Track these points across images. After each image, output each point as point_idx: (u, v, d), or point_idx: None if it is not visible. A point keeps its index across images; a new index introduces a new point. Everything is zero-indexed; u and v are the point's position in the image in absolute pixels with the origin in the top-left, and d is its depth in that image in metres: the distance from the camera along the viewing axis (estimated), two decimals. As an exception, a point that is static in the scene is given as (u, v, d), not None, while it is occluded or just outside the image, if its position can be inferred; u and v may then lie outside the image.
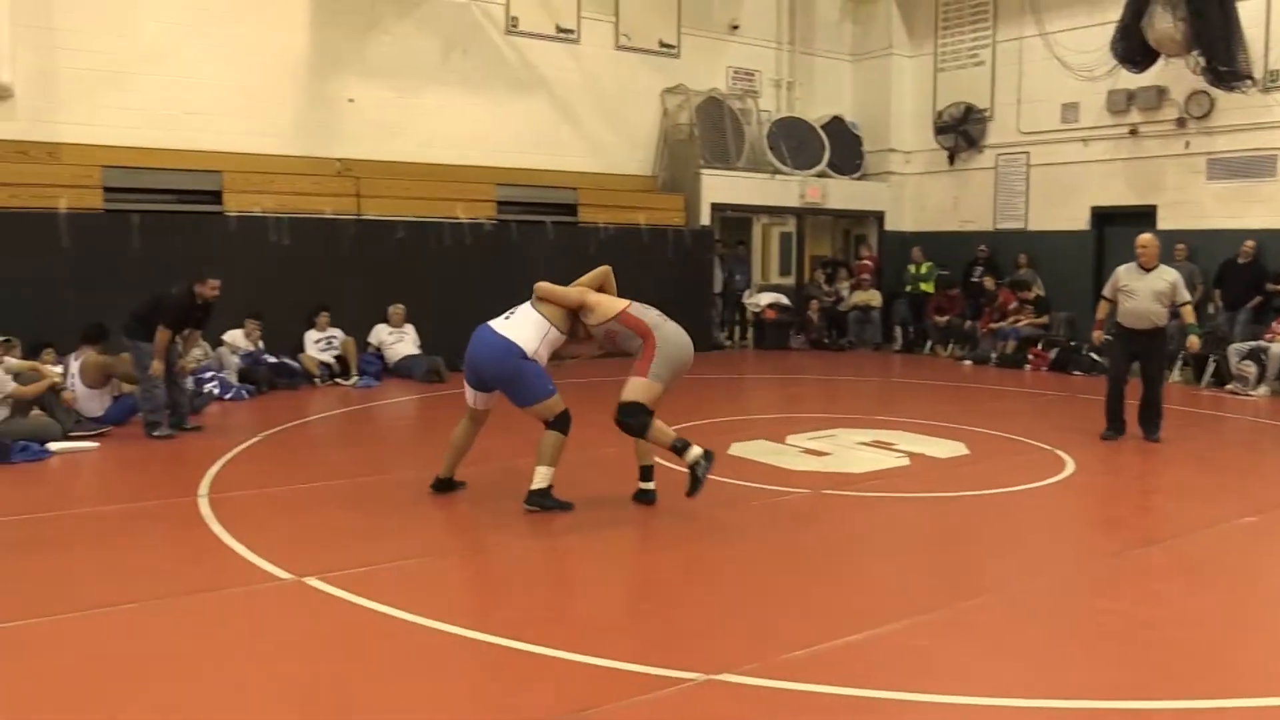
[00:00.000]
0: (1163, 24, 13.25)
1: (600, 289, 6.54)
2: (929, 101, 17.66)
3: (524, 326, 6.25)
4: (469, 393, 6.53)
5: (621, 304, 6.36)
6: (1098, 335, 9.71)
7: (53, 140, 11.89)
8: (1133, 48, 13.87)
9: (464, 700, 3.80)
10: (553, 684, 3.88)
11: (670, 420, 9.09)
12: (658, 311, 6.45)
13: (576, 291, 6.44)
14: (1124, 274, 8.88)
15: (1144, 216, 14.56)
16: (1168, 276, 8.78)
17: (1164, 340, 9.02)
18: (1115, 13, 14.07)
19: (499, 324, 6.31)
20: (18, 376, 8.46)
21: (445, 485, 6.77)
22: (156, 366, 8.74)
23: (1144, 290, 8.74)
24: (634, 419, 6.04)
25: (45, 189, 11.38)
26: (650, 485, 6.56)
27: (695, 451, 5.94)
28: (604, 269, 6.69)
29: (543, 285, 6.44)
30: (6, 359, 8.69)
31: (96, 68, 12.10)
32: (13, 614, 4.53)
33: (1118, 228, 15.09)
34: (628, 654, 4.11)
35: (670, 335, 6.24)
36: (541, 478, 6.23)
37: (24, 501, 6.74)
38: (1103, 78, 14.99)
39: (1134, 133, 14.83)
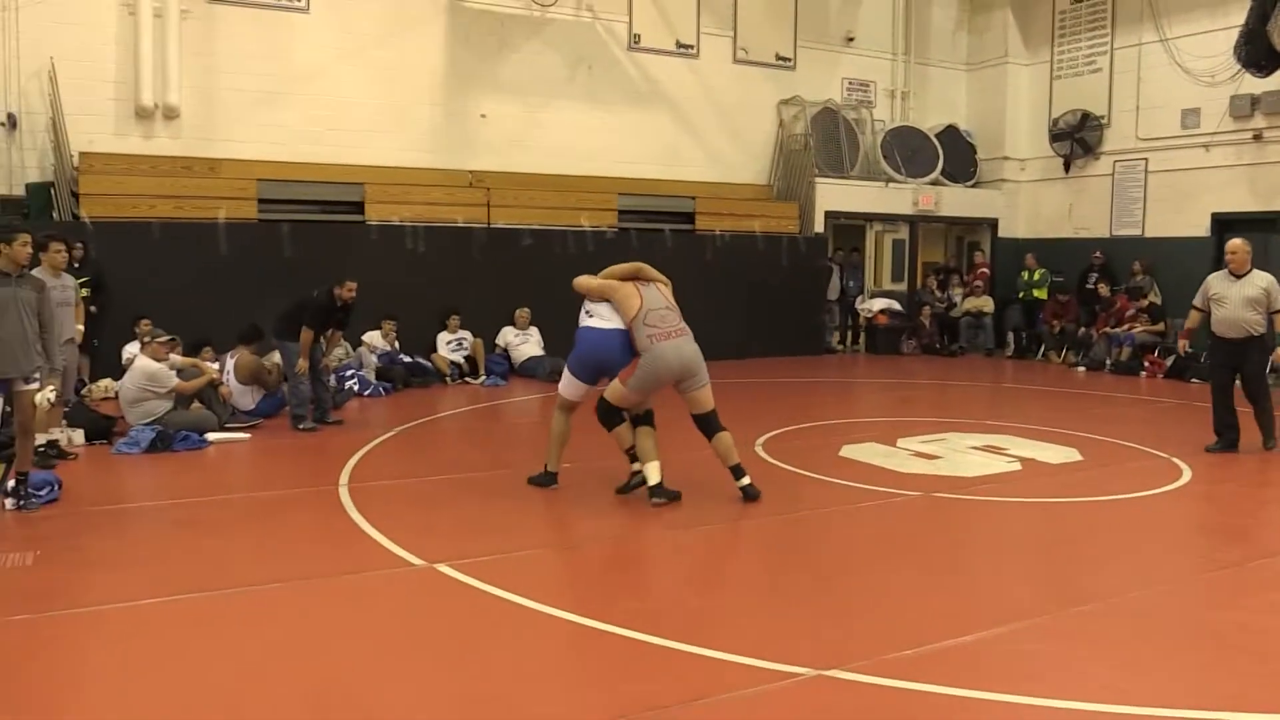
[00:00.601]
0: (1291, 28, 13.07)
1: (635, 277, 6.85)
2: (1044, 109, 17.55)
3: (608, 314, 6.75)
4: (579, 389, 6.84)
5: (633, 308, 6.61)
6: (1183, 345, 9.34)
7: (213, 156, 12.83)
8: (1258, 52, 13.59)
9: (582, 686, 3.94)
10: (666, 673, 3.98)
11: (782, 423, 9.58)
12: (665, 315, 6.68)
13: (599, 284, 6.84)
14: (1215, 281, 8.65)
15: (1268, 223, 14.28)
16: (1260, 282, 8.42)
17: (1262, 348, 8.55)
18: (1239, 16, 13.86)
19: (596, 322, 6.76)
20: (180, 372, 8.99)
21: (550, 479, 7.08)
22: (302, 364, 9.29)
23: (1235, 297, 8.44)
24: (601, 413, 6.78)
25: (206, 201, 12.27)
26: (746, 480, 6.68)
27: (652, 466, 6.57)
28: (634, 265, 6.95)
29: (577, 281, 6.96)
30: (171, 356, 9.20)
31: (253, 89, 13.05)
32: (175, 588, 4.91)
33: (1239, 234, 14.81)
34: (739, 647, 4.16)
35: (654, 357, 6.51)
36: (654, 472, 6.61)
37: (185, 486, 7.24)
38: (1225, 83, 14.76)
39: (1258, 138, 14.55)
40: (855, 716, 3.72)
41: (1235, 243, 8.71)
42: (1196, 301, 8.85)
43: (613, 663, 4.15)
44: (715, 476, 7.10)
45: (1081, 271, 16.26)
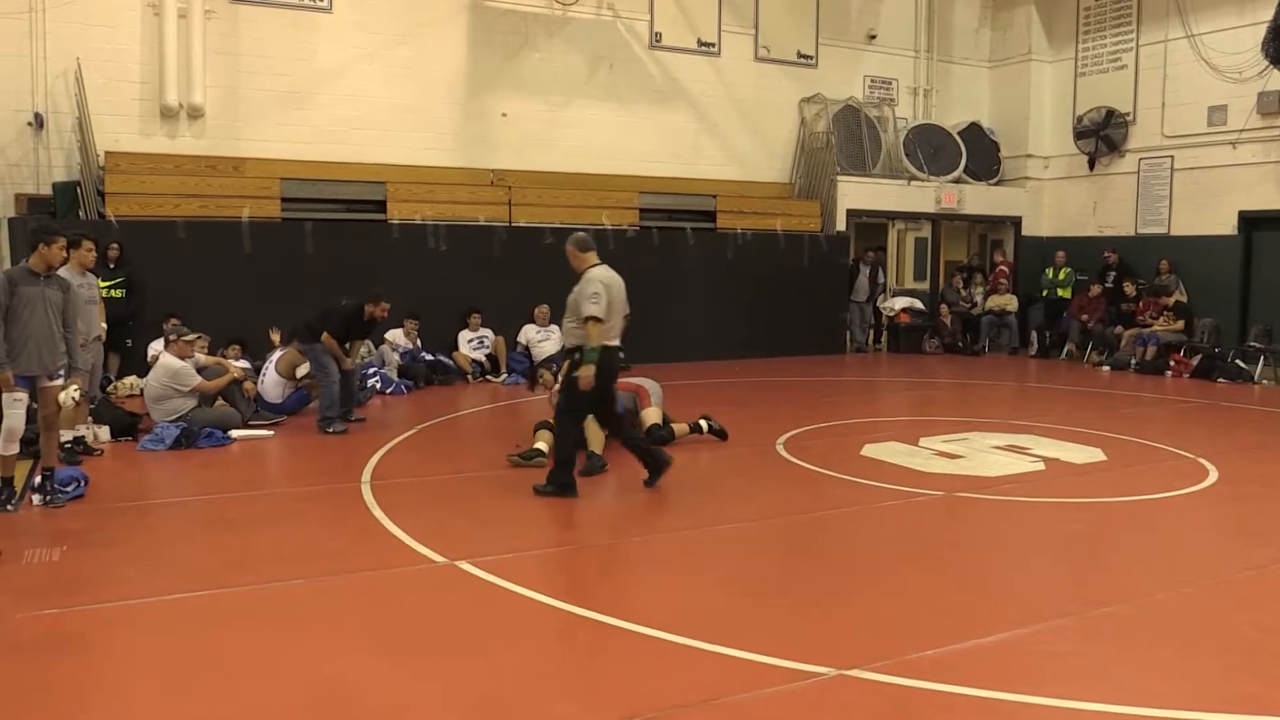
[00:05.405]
0: (1318, 24, 12.96)
1: None
2: (1068, 106, 17.45)
3: None
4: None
5: None
6: None
7: (237, 155, 12.94)
8: (1286, 48, 13.56)
9: (601, 683, 3.96)
10: (687, 672, 4.00)
11: (803, 422, 9.62)
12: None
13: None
14: None
15: (1297, 221, 14.26)
16: (579, 285, 6.95)
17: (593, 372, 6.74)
18: (1266, 13, 13.78)
19: None
20: (203, 370, 9.01)
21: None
22: (348, 362, 9.32)
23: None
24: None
25: (230, 200, 12.36)
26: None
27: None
28: None
29: None
30: (196, 355, 9.23)
31: (276, 89, 13.16)
32: (199, 584, 4.99)
33: (1267, 233, 14.74)
34: (761, 646, 4.17)
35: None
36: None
37: (208, 483, 7.30)
38: (1253, 79, 14.63)
39: (1286, 135, 14.47)
40: (877, 717, 3.71)
41: (570, 241, 7.32)
42: None
43: (633, 661, 4.16)
44: (734, 475, 7.12)
45: (1098, 271, 16.14)
